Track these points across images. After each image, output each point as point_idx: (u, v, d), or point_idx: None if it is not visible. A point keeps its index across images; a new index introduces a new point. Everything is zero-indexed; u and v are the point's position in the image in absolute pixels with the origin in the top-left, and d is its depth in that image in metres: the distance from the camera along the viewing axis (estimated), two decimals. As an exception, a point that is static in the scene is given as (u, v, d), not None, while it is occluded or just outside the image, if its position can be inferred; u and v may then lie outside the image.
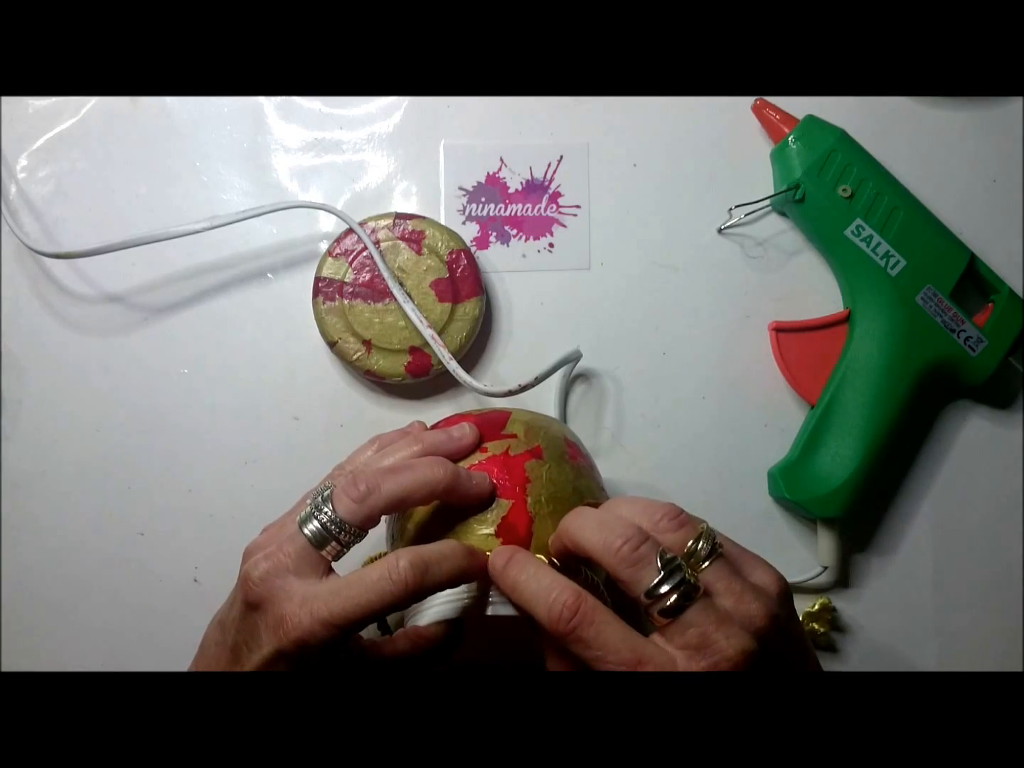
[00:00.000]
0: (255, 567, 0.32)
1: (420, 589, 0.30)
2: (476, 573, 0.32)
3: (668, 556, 0.29)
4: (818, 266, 0.48)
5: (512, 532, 0.34)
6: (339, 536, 0.32)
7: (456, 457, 0.35)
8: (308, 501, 0.33)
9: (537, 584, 0.30)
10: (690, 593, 0.28)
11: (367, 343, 0.44)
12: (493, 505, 0.34)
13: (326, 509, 0.32)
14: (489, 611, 0.33)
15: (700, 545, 0.30)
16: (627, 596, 0.29)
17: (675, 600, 0.28)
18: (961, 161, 0.48)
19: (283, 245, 0.46)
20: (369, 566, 0.31)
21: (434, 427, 0.39)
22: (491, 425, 0.37)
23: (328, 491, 0.33)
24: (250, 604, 0.31)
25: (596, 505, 0.35)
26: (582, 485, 0.36)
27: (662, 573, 0.28)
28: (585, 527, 0.31)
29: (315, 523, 0.32)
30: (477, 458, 0.36)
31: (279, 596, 0.30)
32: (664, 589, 0.28)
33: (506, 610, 0.33)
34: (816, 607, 0.45)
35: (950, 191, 0.47)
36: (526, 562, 0.31)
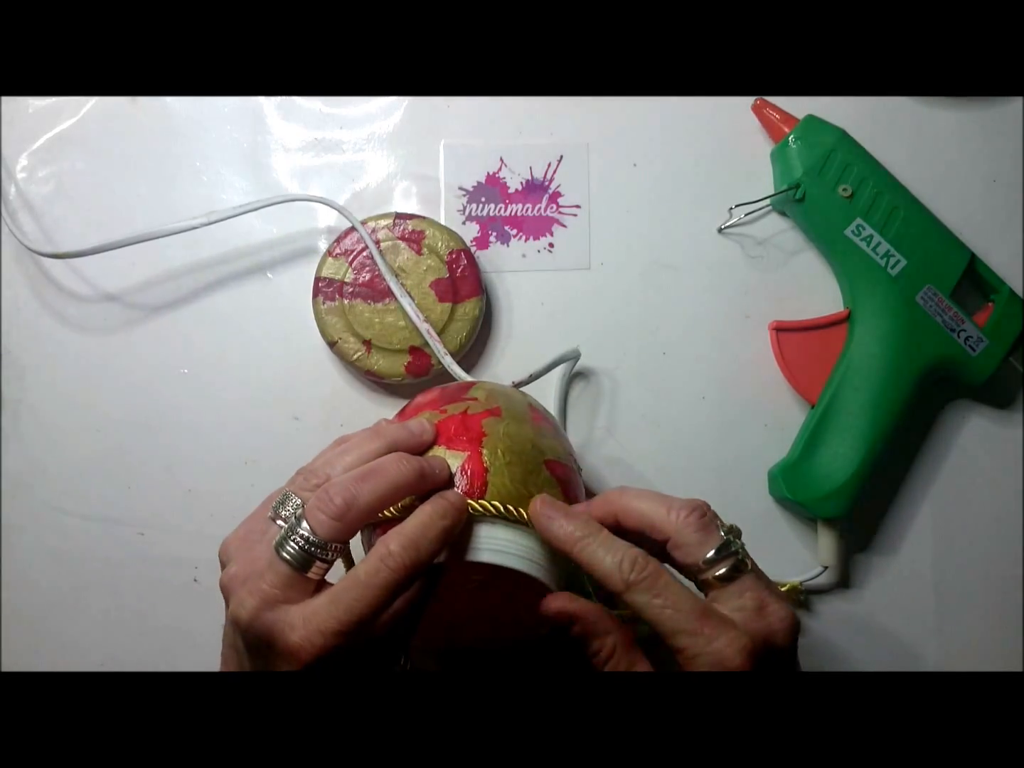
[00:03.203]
0: (242, 607, 0.30)
1: (418, 565, 0.30)
2: (457, 526, 0.32)
3: (727, 526, 0.32)
4: (818, 266, 0.48)
5: (468, 483, 0.33)
6: (323, 556, 0.30)
7: (415, 453, 0.34)
8: (279, 520, 0.32)
9: (611, 543, 0.31)
10: (744, 564, 0.31)
11: (367, 343, 0.44)
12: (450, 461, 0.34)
13: (301, 530, 0.30)
14: (468, 557, 0.32)
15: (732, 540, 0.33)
16: (684, 562, 0.31)
17: (731, 568, 0.31)
18: (961, 161, 0.48)
19: (283, 245, 0.46)
20: (360, 562, 0.30)
21: (404, 409, 0.38)
22: (455, 391, 0.38)
23: (300, 509, 0.31)
24: (251, 646, 0.30)
25: (565, 467, 0.35)
26: (544, 444, 0.36)
27: (726, 538, 0.31)
28: (643, 496, 0.33)
29: (292, 546, 0.30)
30: (436, 417, 0.36)
31: (279, 629, 0.29)
32: (728, 551, 0.31)
33: (481, 557, 0.32)
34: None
35: (950, 191, 0.47)
36: (590, 525, 0.33)
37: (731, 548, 0.31)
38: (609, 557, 0.31)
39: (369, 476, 0.31)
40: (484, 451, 0.34)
